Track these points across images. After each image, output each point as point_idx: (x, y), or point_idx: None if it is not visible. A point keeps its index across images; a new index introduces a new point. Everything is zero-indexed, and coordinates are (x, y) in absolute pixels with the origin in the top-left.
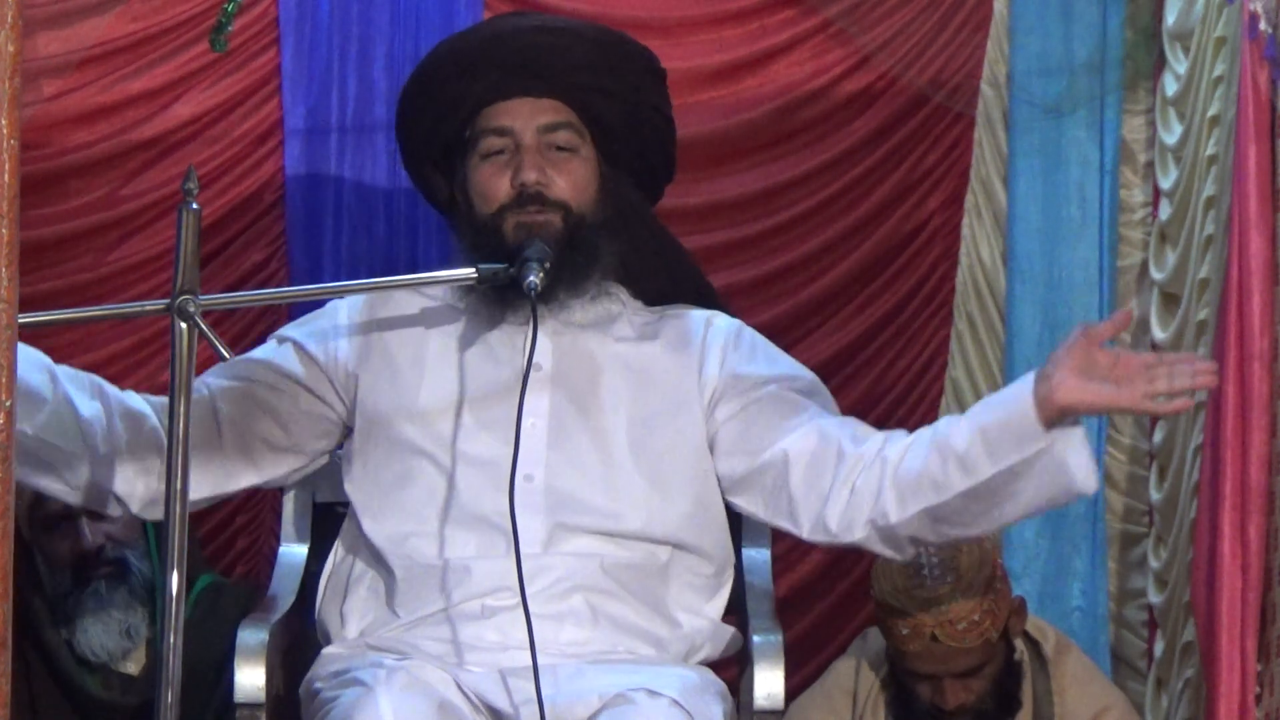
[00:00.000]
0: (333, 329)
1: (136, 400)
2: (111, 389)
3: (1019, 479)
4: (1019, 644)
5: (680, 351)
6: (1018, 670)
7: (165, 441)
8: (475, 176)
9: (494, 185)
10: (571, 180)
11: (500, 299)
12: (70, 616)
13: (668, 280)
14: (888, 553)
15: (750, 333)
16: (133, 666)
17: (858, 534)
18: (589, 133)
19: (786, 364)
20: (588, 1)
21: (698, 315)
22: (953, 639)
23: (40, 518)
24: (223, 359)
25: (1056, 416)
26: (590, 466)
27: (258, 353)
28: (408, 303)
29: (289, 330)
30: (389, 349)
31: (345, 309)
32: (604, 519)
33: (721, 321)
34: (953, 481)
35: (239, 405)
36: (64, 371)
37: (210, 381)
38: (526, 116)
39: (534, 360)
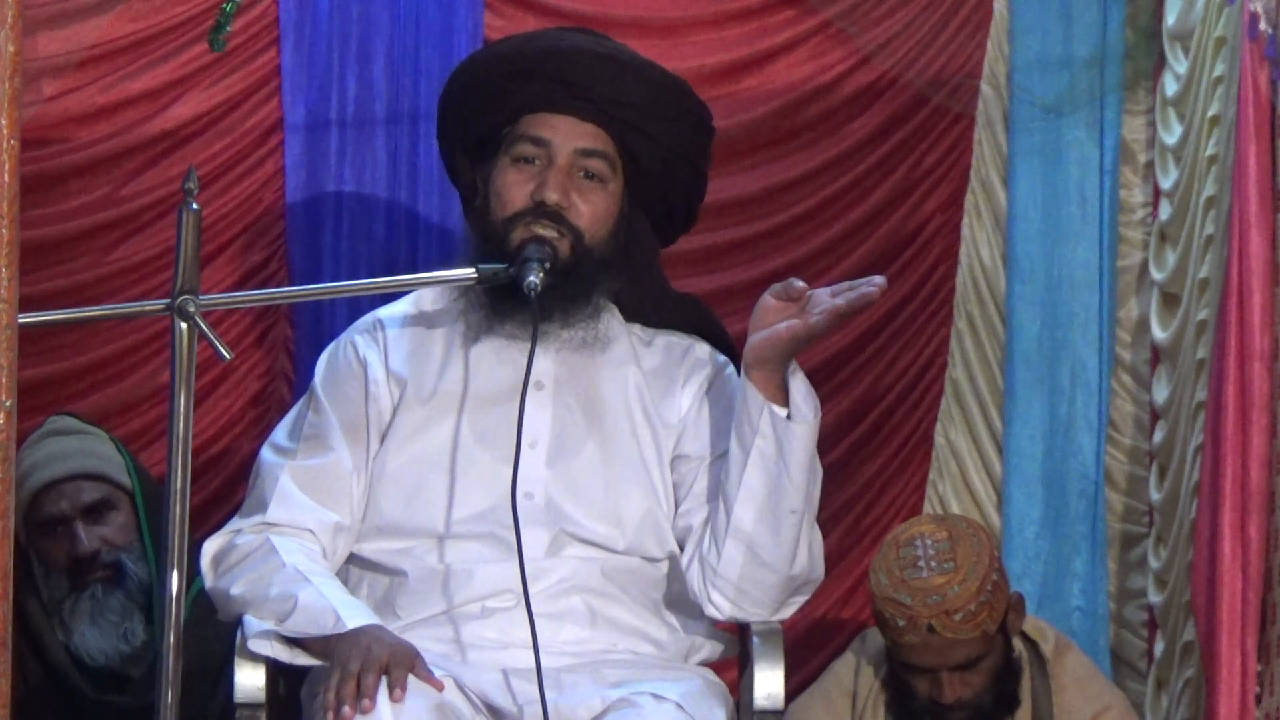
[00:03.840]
0: (359, 390)
1: (316, 556)
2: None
3: (761, 438)
4: (1017, 643)
5: (665, 374)
6: (1016, 667)
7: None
8: (500, 178)
9: (515, 192)
10: (592, 210)
11: (499, 308)
12: (67, 620)
13: (658, 321)
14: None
15: (725, 378)
16: (130, 669)
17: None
18: (622, 166)
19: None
20: (589, 2)
21: (681, 341)
22: (950, 630)
23: (36, 522)
24: (223, 359)
25: (765, 379)
26: (588, 485)
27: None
28: (407, 320)
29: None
30: (399, 376)
31: (362, 355)
32: (603, 536)
33: (701, 352)
34: (730, 484)
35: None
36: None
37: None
38: (567, 134)
39: (534, 380)
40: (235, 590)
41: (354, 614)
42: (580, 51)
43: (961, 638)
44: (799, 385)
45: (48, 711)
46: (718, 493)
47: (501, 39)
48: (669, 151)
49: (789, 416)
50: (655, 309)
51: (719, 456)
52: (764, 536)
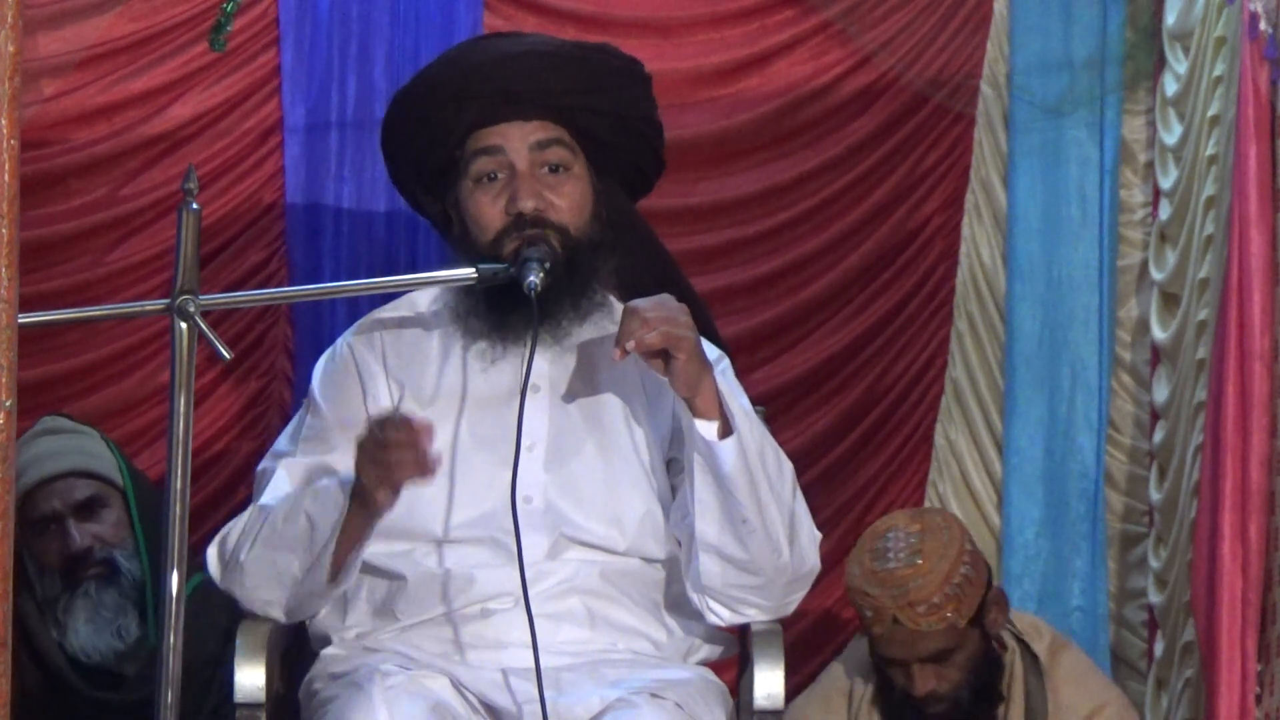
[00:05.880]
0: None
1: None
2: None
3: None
4: (1009, 641)
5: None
6: (997, 662)
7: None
8: (469, 204)
9: (489, 213)
10: (569, 202)
11: (497, 309)
12: (61, 618)
13: (657, 289)
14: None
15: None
16: (125, 666)
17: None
18: (580, 145)
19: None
20: (588, 1)
21: None
22: (913, 621)
23: (28, 520)
24: (223, 359)
25: (704, 401)
26: (587, 488)
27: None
28: (404, 323)
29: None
30: (397, 378)
31: (359, 356)
32: (603, 538)
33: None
34: (689, 500)
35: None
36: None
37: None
38: (518, 137)
39: (532, 383)
40: (246, 555)
41: (341, 478)
42: (501, 58)
43: (926, 629)
44: (727, 400)
45: (43, 710)
46: None
47: (421, 70)
48: (619, 117)
49: (734, 427)
50: (654, 282)
51: None
52: (730, 546)
